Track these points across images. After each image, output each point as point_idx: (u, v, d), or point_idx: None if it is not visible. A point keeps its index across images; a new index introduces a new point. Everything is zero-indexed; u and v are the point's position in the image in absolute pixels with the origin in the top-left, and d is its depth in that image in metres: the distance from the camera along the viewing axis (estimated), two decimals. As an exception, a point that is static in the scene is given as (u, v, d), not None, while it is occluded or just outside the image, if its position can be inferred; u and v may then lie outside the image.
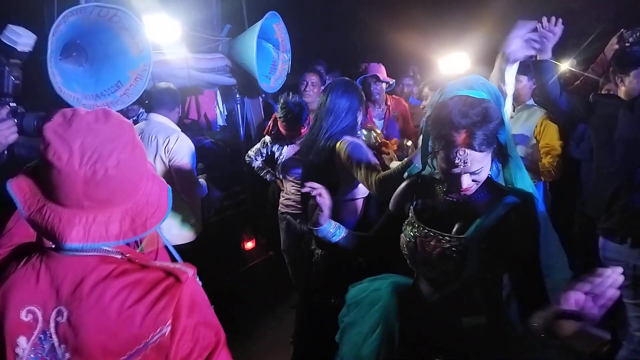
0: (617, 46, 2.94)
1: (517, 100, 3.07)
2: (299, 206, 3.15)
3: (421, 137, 1.68)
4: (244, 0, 4.12)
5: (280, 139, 3.30)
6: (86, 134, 0.92)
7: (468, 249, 1.41)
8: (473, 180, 1.41)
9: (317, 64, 4.53)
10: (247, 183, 4.04)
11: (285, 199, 3.33)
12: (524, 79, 3.06)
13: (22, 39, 1.69)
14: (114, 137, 0.94)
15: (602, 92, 3.40)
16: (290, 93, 3.32)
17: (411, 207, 1.58)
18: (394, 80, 4.01)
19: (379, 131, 3.06)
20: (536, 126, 3.03)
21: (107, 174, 0.92)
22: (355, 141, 2.23)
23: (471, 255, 1.40)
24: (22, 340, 0.93)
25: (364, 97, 2.37)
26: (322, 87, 3.70)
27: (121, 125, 0.98)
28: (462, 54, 3.30)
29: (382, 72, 3.77)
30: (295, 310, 3.74)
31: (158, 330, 0.93)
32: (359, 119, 2.34)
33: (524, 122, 3.08)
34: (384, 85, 3.78)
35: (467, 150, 1.34)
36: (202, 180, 2.93)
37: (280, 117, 3.14)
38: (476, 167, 1.37)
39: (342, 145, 2.20)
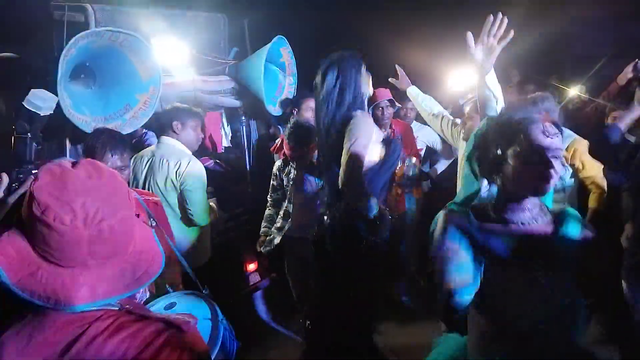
0: (631, 74, 2.99)
1: None
2: (309, 230, 3.14)
3: (466, 159, 1.57)
4: (246, 23, 4.16)
5: (289, 164, 3.29)
6: (86, 193, 0.90)
7: (558, 271, 1.32)
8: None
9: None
10: (250, 204, 4.02)
11: (294, 222, 3.30)
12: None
13: (46, 103, 1.66)
14: (113, 192, 0.93)
15: (609, 119, 3.44)
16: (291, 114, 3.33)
17: (467, 241, 1.33)
18: (400, 105, 4.04)
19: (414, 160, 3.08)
20: (567, 151, 2.90)
21: (112, 231, 0.90)
22: (363, 116, 2.11)
23: (563, 277, 1.32)
24: None
25: (362, 67, 2.24)
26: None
27: (114, 177, 0.97)
28: (470, 70, 3.30)
29: (390, 96, 3.81)
30: (298, 332, 3.72)
31: None
32: (363, 89, 2.21)
33: None
34: (392, 109, 3.81)
35: (555, 129, 1.31)
36: (212, 204, 2.92)
37: (286, 137, 3.13)
38: (561, 146, 1.32)
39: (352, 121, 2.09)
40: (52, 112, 1.71)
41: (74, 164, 0.94)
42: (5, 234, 0.90)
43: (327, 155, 2.25)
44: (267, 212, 3.46)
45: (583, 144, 2.94)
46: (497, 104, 1.95)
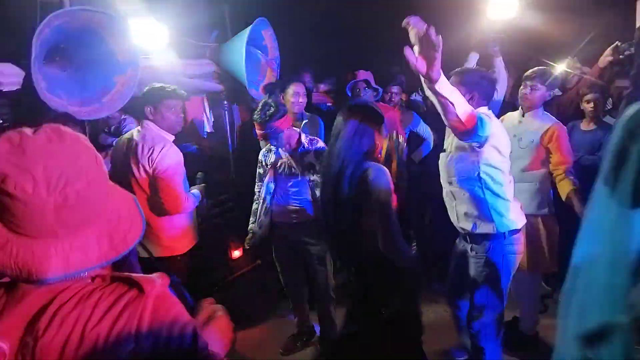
0: (611, 58, 2.98)
1: (527, 106, 3.02)
2: (294, 215, 3.11)
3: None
4: (227, 6, 4.09)
5: (271, 150, 3.23)
6: (46, 158, 0.85)
7: None
8: None
9: (304, 72, 4.50)
10: (233, 191, 3.98)
11: (277, 207, 3.27)
12: (542, 87, 2.97)
13: (8, 78, 1.58)
14: (76, 156, 0.88)
15: (584, 102, 3.48)
16: (269, 95, 3.29)
17: None
18: (382, 89, 4.00)
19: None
20: (546, 132, 2.92)
21: (79, 196, 0.86)
22: (380, 167, 2.16)
23: None
24: None
25: (382, 119, 2.27)
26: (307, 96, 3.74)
27: (77, 140, 0.91)
28: None
29: (372, 79, 3.78)
30: (282, 318, 3.72)
31: (123, 348, 0.87)
32: (378, 147, 2.25)
33: (534, 129, 2.98)
34: (372, 92, 3.79)
35: None
36: (194, 191, 2.84)
37: (253, 117, 3.08)
38: None
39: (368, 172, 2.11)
40: (19, 87, 1.64)
41: (35, 131, 0.89)
42: None
43: (332, 201, 2.21)
44: (254, 205, 3.32)
45: (564, 130, 2.96)
46: (457, 109, 1.92)
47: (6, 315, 0.88)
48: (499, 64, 3.33)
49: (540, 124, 2.97)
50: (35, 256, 0.85)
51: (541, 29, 3.93)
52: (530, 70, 3.04)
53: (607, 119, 3.61)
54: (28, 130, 0.88)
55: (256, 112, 2.99)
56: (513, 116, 3.13)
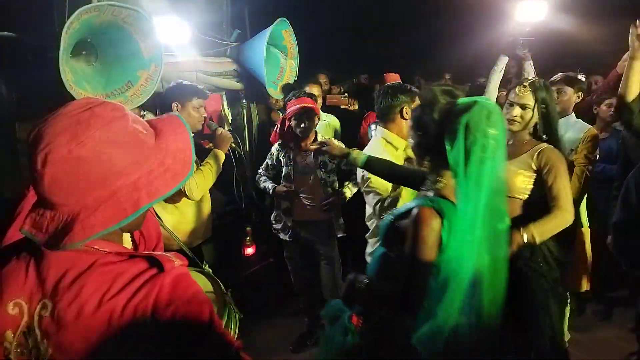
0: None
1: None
2: (307, 213, 3.15)
3: None
4: (247, 6, 4.13)
5: (289, 147, 3.27)
6: (53, 128, 0.87)
7: None
8: None
9: (320, 73, 4.54)
10: (249, 188, 4.01)
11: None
12: (569, 90, 2.94)
13: None
14: (85, 126, 0.87)
15: (604, 105, 3.45)
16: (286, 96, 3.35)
17: None
18: None
19: None
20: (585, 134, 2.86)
21: (65, 170, 0.85)
22: None
23: None
24: (8, 335, 0.90)
25: None
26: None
27: (99, 113, 0.89)
28: (540, 2, 3.27)
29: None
30: (293, 317, 3.74)
31: (138, 322, 0.89)
32: None
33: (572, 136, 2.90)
34: None
35: None
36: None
37: (296, 124, 3.12)
38: None
39: None
40: None
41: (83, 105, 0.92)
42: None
43: None
44: (265, 183, 3.40)
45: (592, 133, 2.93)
46: None
47: (29, 276, 0.92)
48: (529, 67, 3.31)
49: (577, 127, 2.92)
50: (53, 222, 0.89)
51: (570, 33, 3.88)
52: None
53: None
54: (99, 102, 0.93)
55: (298, 118, 3.06)
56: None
